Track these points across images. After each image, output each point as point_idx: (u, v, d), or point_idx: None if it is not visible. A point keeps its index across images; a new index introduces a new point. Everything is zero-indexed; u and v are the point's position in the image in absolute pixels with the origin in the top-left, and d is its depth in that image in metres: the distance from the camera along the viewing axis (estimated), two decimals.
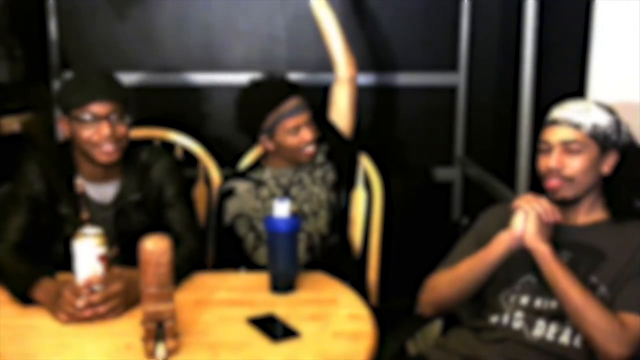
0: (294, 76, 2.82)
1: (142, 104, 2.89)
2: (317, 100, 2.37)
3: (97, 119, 1.91)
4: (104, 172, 2.02)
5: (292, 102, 2.19)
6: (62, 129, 1.97)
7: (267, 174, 2.28)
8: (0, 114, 2.50)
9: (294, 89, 2.24)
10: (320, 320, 1.71)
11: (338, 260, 2.26)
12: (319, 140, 2.31)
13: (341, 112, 2.35)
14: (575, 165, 1.71)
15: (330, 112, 2.36)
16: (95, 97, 1.91)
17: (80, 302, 1.65)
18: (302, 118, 2.19)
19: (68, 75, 2.89)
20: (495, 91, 3.02)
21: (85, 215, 1.72)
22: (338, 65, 2.36)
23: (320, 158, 2.30)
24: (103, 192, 2.03)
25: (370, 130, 2.96)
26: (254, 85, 2.29)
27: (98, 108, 1.91)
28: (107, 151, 1.94)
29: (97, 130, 1.91)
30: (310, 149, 2.22)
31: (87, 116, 1.91)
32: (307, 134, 2.20)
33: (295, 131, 2.19)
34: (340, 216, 2.32)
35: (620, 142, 1.74)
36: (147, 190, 2.05)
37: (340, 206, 2.31)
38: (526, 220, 1.68)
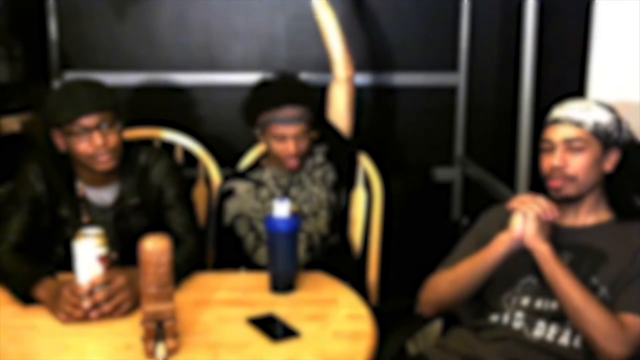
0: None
1: (142, 104, 2.91)
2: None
3: (88, 130, 1.90)
4: (103, 177, 2.01)
5: (287, 111, 2.15)
6: (58, 143, 1.96)
7: (266, 175, 2.28)
8: (0, 114, 2.50)
9: (297, 96, 2.19)
10: (320, 320, 1.71)
11: (338, 260, 2.25)
12: (318, 141, 2.31)
13: (339, 112, 2.34)
14: (578, 163, 1.71)
15: (328, 112, 2.36)
16: (82, 112, 1.89)
17: (87, 303, 1.66)
18: (292, 130, 2.16)
19: (68, 75, 2.89)
20: (495, 91, 3.02)
21: (85, 218, 1.72)
22: (336, 65, 2.36)
23: (319, 158, 2.29)
24: (103, 195, 2.03)
25: (370, 130, 2.96)
26: (263, 82, 2.27)
27: (87, 121, 1.90)
28: (103, 161, 1.93)
29: (89, 141, 1.91)
30: (292, 161, 2.19)
31: (77, 129, 1.90)
32: (292, 147, 2.16)
33: (281, 139, 2.17)
34: (340, 216, 2.32)
35: (621, 139, 1.74)
36: (147, 193, 2.05)
37: (340, 206, 2.31)
38: (525, 220, 1.68)
